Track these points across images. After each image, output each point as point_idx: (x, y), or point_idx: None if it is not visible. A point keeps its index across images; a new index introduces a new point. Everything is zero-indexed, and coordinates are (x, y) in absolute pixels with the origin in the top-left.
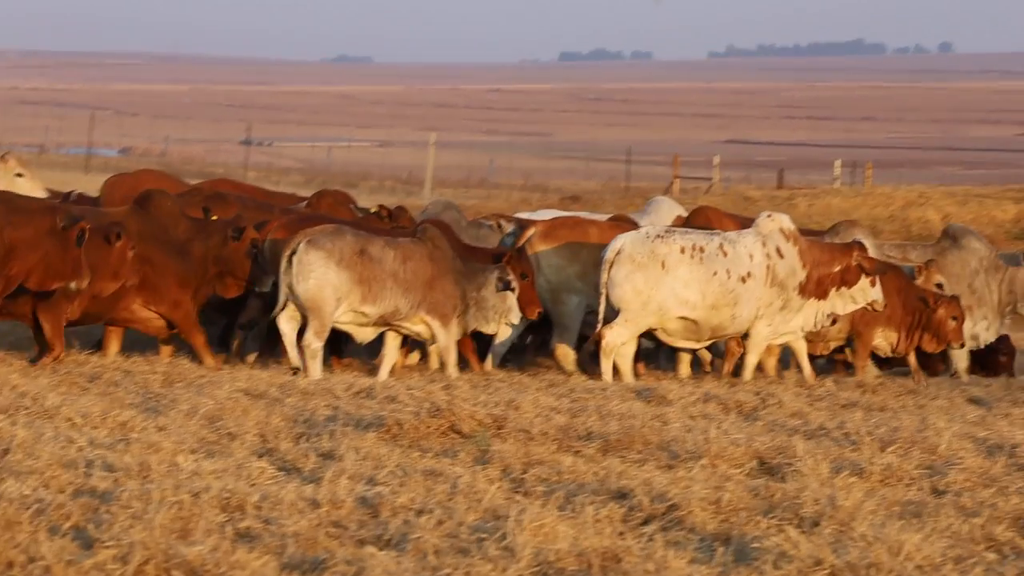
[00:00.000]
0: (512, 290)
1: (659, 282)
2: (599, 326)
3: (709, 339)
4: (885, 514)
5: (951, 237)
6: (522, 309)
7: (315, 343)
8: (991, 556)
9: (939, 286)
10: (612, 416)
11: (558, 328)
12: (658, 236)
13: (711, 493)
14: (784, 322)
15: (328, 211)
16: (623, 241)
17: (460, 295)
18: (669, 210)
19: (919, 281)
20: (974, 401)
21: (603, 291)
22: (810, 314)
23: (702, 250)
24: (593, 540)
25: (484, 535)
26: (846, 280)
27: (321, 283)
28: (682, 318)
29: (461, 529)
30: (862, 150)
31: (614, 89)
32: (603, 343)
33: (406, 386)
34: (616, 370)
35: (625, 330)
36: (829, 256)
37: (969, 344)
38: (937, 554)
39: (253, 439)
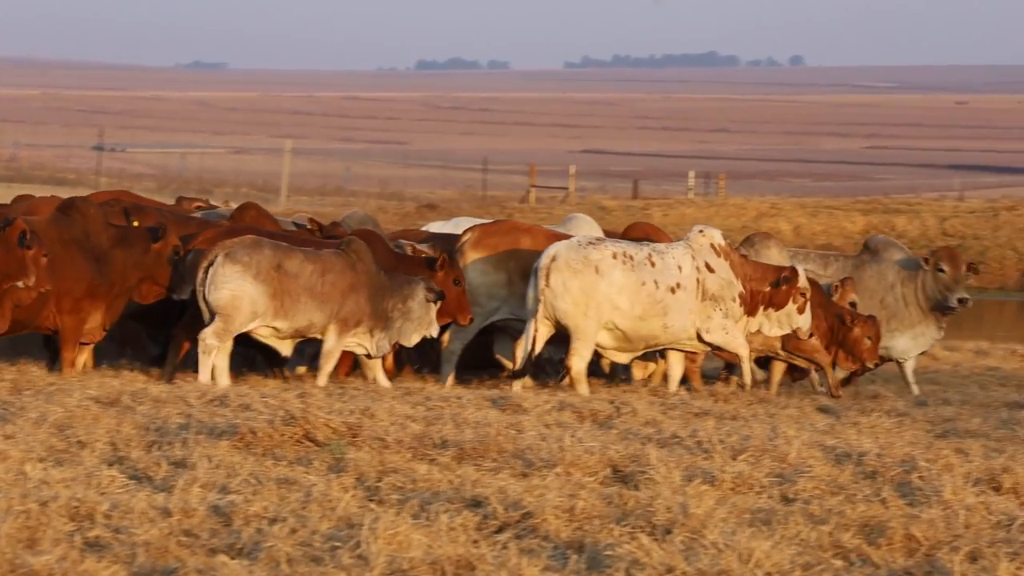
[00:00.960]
0: (440, 300)
1: (595, 287)
2: (529, 335)
3: (641, 350)
4: (736, 521)
5: (871, 250)
6: (454, 316)
7: (211, 340)
8: (838, 563)
9: (852, 304)
10: (467, 424)
11: (453, 330)
12: (591, 243)
13: (565, 501)
14: (739, 326)
15: (252, 224)
16: (557, 249)
17: (378, 309)
18: (589, 228)
19: (835, 298)
20: (823, 410)
21: (540, 298)
22: (740, 328)
23: (631, 258)
24: (447, 548)
25: (338, 543)
26: (775, 302)
27: (236, 295)
28: (612, 328)
29: (315, 537)
30: (715, 161)
31: (471, 98)
32: (573, 373)
33: (260, 394)
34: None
35: (584, 349)
36: (761, 274)
37: (881, 352)
38: (786, 561)
39: (104, 447)
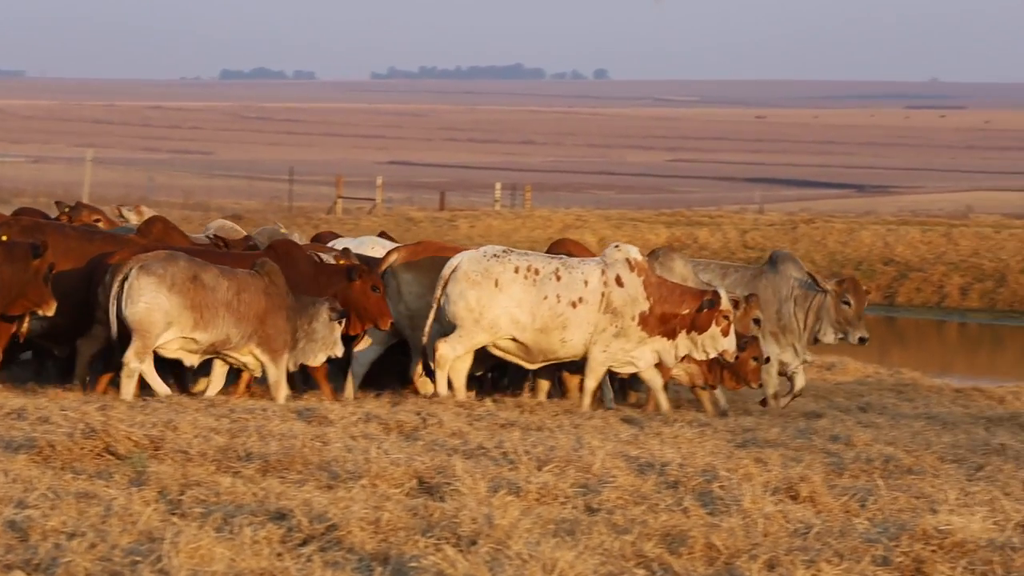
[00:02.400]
0: (341, 320)
1: (492, 300)
2: (424, 339)
3: (543, 362)
4: (540, 532)
5: (771, 263)
6: (375, 321)
7: (134, 362)
8: (640, 572)
9: (756, 322)
10: (272, 436)
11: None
12: (495, 256)
13: (370, 513)
14: (623, 351)
15: (160, 237)
16: (460, 259)
17: (292, 330)
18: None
19: (739, 314)
20: (627, 421)
21: (435, 305)
22: (658, 350)
23: (536, 272)
24: (250, 562)
25: (138, 558)
26: (696, 325)
27: (151, 307)
28: (513, 339)
29: (114, 552)
30: (522, 173)
31: (276, 108)
32: (437, 356)
33: (60, 407)
34: (450, 384)
35: (459, 344)
36: (679, 296)
37: (777, 368)
38: (589, 571)
39: None
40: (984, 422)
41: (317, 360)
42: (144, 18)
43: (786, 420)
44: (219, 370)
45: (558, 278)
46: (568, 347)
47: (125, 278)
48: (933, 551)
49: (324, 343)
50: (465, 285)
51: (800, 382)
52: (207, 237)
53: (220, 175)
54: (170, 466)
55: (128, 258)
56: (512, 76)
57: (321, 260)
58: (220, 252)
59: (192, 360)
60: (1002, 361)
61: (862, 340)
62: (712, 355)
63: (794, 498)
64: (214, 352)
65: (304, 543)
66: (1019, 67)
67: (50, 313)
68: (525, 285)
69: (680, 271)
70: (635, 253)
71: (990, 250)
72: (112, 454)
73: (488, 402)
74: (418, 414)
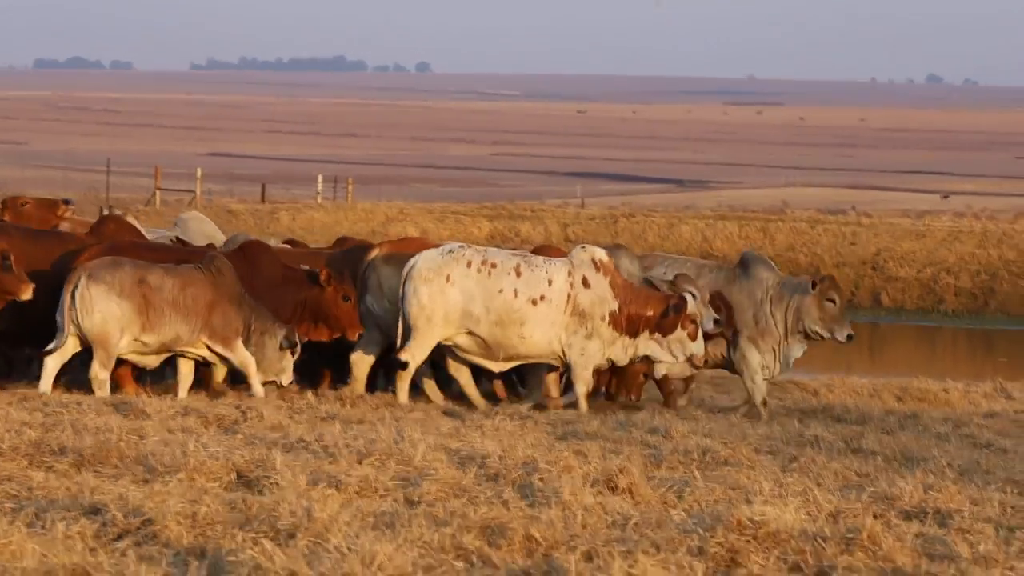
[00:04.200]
0: (292, 350)
1: (442, 295)
2: (398, 343)
3: (504, 359)
4: (360, 525)
5: (743, 266)
6: (344, 331)
7: (102, 374)
8: (460, 565)
9: (716, 323)
10: (87, 430)
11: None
12: (450, 252)
13: (187, 507)
14: (599, 352)
15: (112, 236)
16: (417, 258)
17: (244, 320)
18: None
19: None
20: (449, 414)
21: (400, 307)
22: (619, 349)
23: (494, 266)
24: (63, 557)
25: None
26: (662, 327)
27: (105, 316)
28: (470, 333)
29: None
30: (344, 166)
31: (93, 98)
32: (399, 368)
33: None
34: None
35: (418, 348)
36: (644, 299)
37: (764, 374)
38: (408, 564)
39: None
40: (798, 414)
41: (261, 376)
42: None
43: (605, 413)
44: (183, 368)
45: (518, 274)
46: (529, 345)
47: (75, 288)
48: (747, 541)
49: (269, 364)
50: (418, 283)
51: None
52: (173, 239)
53: (34, 166)
54: None
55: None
56: (334, 68)
57: (294, 266)
58: (176, 250)
59: (147, 362)
60: (818, 354)
61: (850, 337)
62: (681, 359)
63: (613, 490)
64: (167, 351)
65: (119, 538)
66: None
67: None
68: (479, 279)
69: (626, 268)
70: (602, 255)
71: (805, 244)
72: None
73: (309, 395)
74: (238, 407)
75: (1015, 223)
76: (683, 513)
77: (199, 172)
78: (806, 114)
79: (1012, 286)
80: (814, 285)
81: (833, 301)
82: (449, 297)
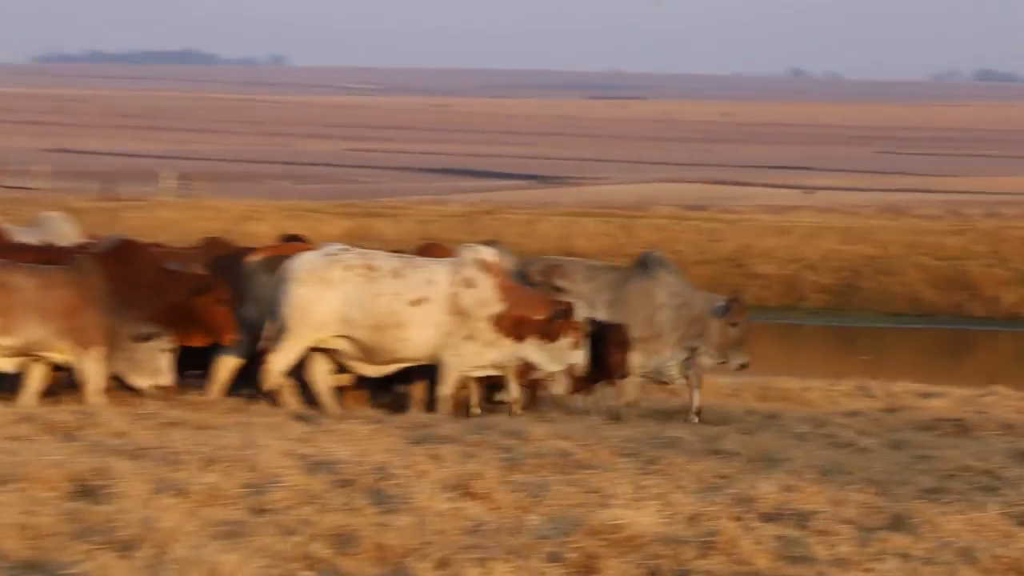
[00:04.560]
0: (166, 351)
1: (318, 298)
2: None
3: (386, 363)
4: (205, 535)
5: (643, 265)
6: (217, 336)
7: None
8: (308, 574)
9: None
10: None
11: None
12: (328, 255)
13: (23, 518)
14: (476, 354)
15: None
16: (296, 260)
17: (108, 327)
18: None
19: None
20: (300, 418)
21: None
22: (503, 352)
23: (371, 269)
24: None
25: None
26: (548, 334)
27: None
28: (345, 337)
29: None
30: (195, 162)
31: None
32: (266, 367)
33: None
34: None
35: (288, 350)
36: (533, 302)
37: (642, 379)
38: (254, 574)
39: None
40: (658, 415)
41: (138, 381)
42: None
43: (462, 415)
44: (35, 373)
45: (399, 276)
46: (410, 347)
47: None
48: (605, 546)
49: (141, 367)
50: (292, 284)
51: (631, 391)
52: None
53: None
54: None
55: None
56: (184, 61)
57: (171, 268)
58: (45, 250)
59: (6, 366)
60: None
61: (743, 366)
62: (561, 367)
63: (468, 495)
64: (24, 355)
65: None
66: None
67: None
68: (357, 282)
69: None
70: (491, 255)
71: (667, 242)
72: None
73: (153, 401)
74: (78, 413)
75: (878, 218)
76: (540, 518)
77: (42, 168)
78: (670, 108)
79: (875, 283)
80: (727, 306)
81: (736, 324)
82: (324, 300)
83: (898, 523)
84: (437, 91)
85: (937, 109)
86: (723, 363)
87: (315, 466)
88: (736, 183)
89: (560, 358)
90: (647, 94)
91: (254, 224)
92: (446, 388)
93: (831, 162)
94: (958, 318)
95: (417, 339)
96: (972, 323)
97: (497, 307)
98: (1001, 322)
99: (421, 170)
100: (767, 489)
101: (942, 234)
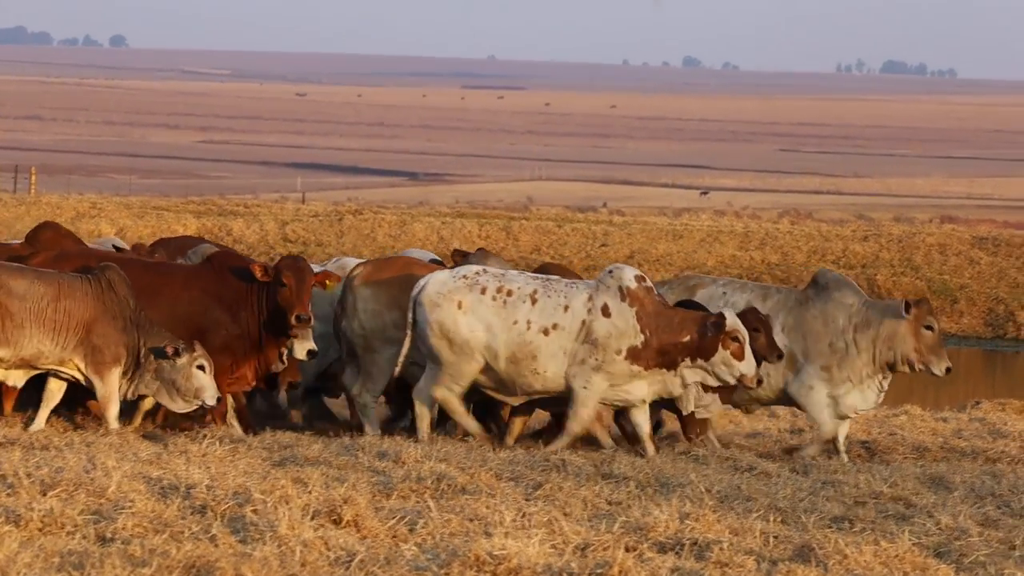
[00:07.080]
0: (203, 369)
1: (456, 323)
2: (398, 368)
3: (523, 394)
4: (43, 566)
5: (820, 286)
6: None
7: None
8: None
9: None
10: None
11: (363, 376)
12: (463, 276)
13: None
14: (610, 387)
15: (49, 244)
16: (427, 280)
17: (128, 345)
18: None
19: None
20: (149, 438)
21: (408, 332)
22: (654, 384)
23: (509, 294)
24: None
25: None
26: (701, 351)
27: None
28: (485, 366)
29: None
30: (26, 153)
31: None
32: (439, 403)
33: None
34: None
35: (450, 381)
36: (679, 323)
37: (838, 413)
38: None
39: None
40: (545, 435)
41: (174, 405)
42: None
43: (328, 436)
44: (52, 386)
45: (533, 301)
46: (544, 380)
47: None
48: None
49: (176, 387)
50: (429, 308)
51: (843, 429)
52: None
53: None
54: None
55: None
56: (13, 41)
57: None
58: (134, 260)
59: (13, 379)
60: None
61: (948, 371)
62: (731, 382)
63: (336, 522)
64: (29, 366)
65: None
66: (580, 46)
67: None
68: (494, 308)
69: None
70: (630, 280)
71: (552, 245)
72: None
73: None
74: None
75: (778, 223)
76: (415, 548)
77: None
78: (552, 100)
79: None
80: (907, 309)
81: (930, 328)
82: (463, 325)
83: (804, 554)
84: (297, 78)
85: (842, 104)
86: (923, 370)
87: (167, 490)
88: (626, 182)
89: (726, 373)
90: (527, 83)
91: (94, 222)
92: (576, 425)
93: (729, 160)
94: None
95: (552, 371)
96: None
97: (639, 339)
98: None
99: (280, 164)
100: (662, 517)
101: (849, 240)
